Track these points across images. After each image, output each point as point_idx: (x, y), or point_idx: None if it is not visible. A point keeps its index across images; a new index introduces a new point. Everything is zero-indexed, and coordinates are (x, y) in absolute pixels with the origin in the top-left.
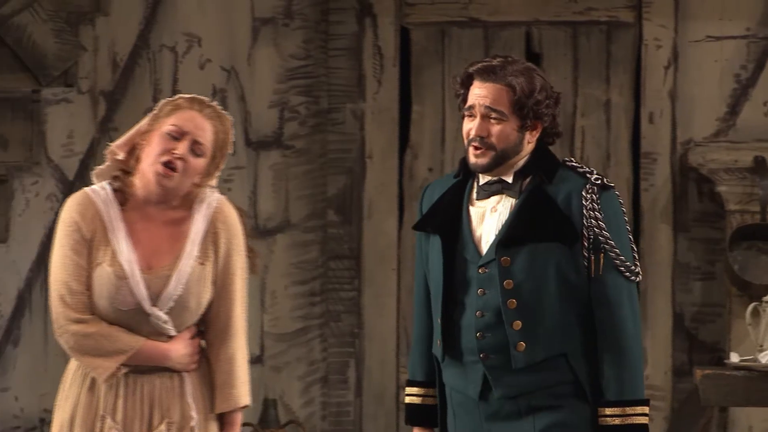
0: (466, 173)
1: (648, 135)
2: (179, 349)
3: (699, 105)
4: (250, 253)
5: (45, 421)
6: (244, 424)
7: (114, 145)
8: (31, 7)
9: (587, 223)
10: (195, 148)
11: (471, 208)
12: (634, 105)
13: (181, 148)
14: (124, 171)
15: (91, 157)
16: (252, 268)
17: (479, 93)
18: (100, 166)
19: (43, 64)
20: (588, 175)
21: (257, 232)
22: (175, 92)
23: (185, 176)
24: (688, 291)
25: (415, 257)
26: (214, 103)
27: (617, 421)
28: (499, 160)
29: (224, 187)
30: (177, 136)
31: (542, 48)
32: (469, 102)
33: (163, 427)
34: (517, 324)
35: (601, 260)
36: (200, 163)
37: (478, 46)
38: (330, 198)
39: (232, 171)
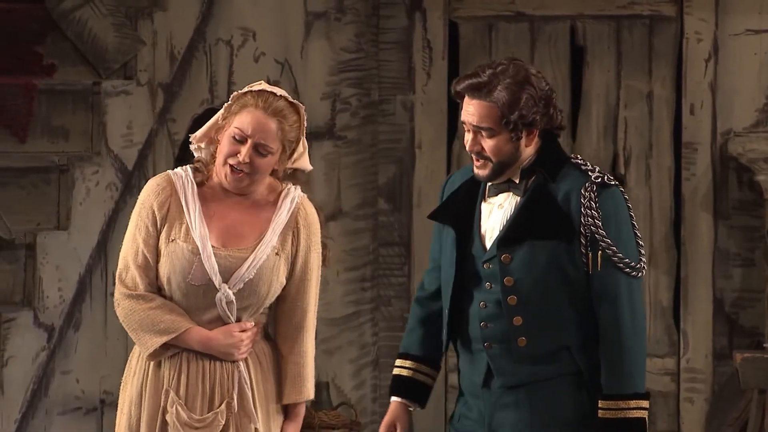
0: None
1: (689, 126)
2: (220, 339)
3: (739, 96)
4: (323, 248)
5: (105, 402)
6: None
7: (194, 138)
8: (91, 2)
9: (584, 221)
10: (260, 149)
11: (483, 204)
12: (675, 97)
13: (244, 152)
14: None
15: (149, 148)
16: (323, 261)
17: (468, 110)
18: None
19: (103, 58)
20: (589, 174)
21: None
22: (230, 85)
23: (255, 174)
24: (728, 277)
25: (432, 243)
26: (282, 93)
27: (609, 414)
28: (499, 170)
29: None
30: (240, 139)
31: (586, 41)
32: (462, 117)
33: (223, 407)
34: (518, 320)
35: (599, 257)
36: (267, 161)
37: (524, 40)
38: (380, 187)
39: None
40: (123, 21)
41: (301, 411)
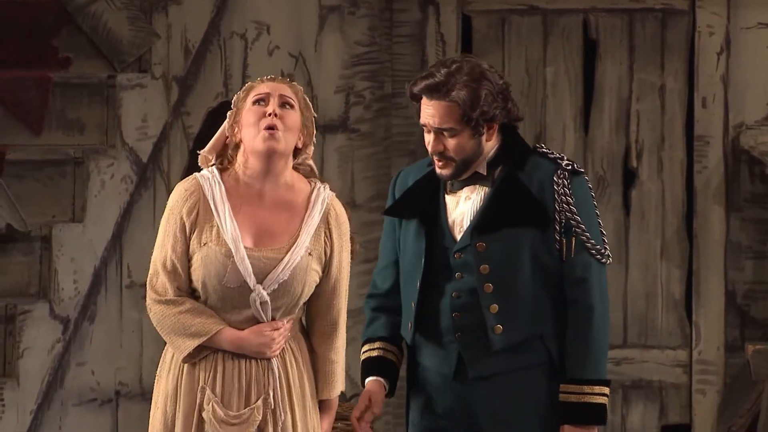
0: None
1: (701, 119)
2: (251, 339)
3: (750, 90)
4: (351, 243)
5: (120, 394)
6: None
7: (204, 152)
8: None
9: (559, 207)
10: (284, 101)
11: (447, 196)
12: (687, 90)
13: (272, 105)
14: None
15: (164, 140)
16: (351, 254)
17: (428, 112)
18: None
19: (118, 51)
20: (559, 161)
21: None
22: (245, 77)
23: (287, 132)
24: (740, 269)
25: (383, 241)
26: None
27: (573, 398)
28: (462, 167)
29: None
30: (263, 99)
31: (599, 35)
32: (422, 119)
33: (259, 403)
34: (494, 307)
35: (573, 243)
36: (295, 115)
37: (537, 33)
38: None
39: None
40: (137, 14)
41: (335, 404)
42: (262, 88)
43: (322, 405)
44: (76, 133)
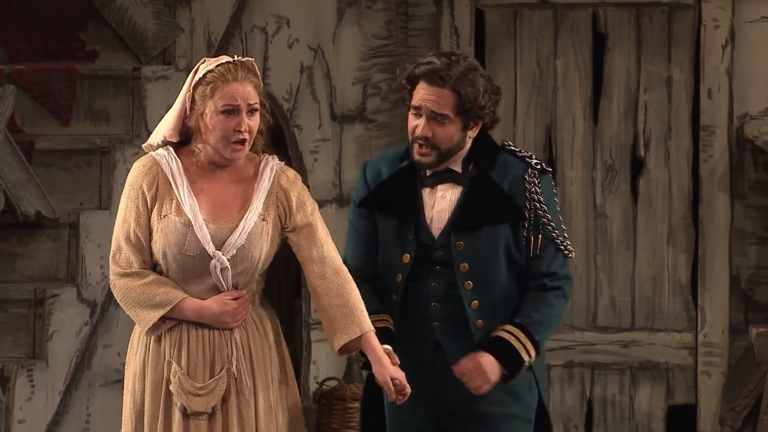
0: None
1: (707, 109)
2: (213, 308)
3: (754, 81)
4: None
5: None
6: (329, 379)
7: (167, 136)
8: None
9: (530, 205)
10: (251, 108)
11: (423, 192)
12: (693, 81)
13: (243, 121)
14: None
15: None
16: None
17: (426, 96)
18: (151, 144)
19: (143, 44)
20: (528, 160)
21: (341, 200)
22: (265, 70)
23: (252, 137)
24: (744, 255)
25: (358, 226)
26: (236, 58)
27: (507, 336)
28: (442, 158)
29: (311, 158)
30: (232, 110)
31: (608, 28)
32: (416, 102)
33: (223, 373)
34: (475, 303)
35: (540, 239)
36: (257, 119)
37: (548, 27)
38: None
39: (319, 143)
40: (162, 9)
41: (369, 343)
42: (230, 97)
43: (350, 348)
44: (103, 123)
